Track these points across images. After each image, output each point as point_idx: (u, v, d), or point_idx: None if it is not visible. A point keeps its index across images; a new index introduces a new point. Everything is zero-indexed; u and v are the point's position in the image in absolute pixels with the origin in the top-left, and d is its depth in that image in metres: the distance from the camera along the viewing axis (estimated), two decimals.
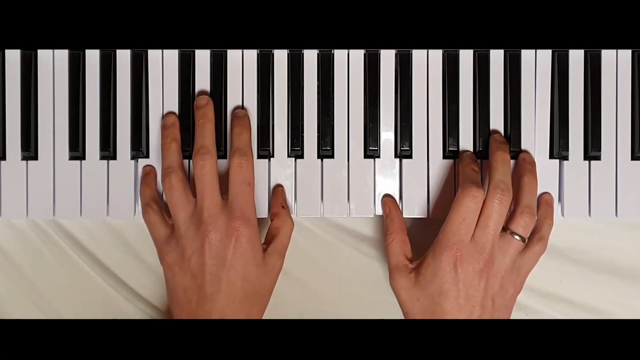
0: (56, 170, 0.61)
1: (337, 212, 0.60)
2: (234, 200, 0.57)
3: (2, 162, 0.61)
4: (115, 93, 0.61)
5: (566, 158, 0.60)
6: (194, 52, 0.61)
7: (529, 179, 0.58)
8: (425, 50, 0.61)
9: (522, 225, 0.56)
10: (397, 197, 0.61)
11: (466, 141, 0.61)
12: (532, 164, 0.59)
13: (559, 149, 0.60)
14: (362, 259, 0.63)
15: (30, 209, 0.60)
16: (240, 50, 0.61)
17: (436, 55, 0.61)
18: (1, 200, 0.60)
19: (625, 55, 0.60)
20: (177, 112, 0.61)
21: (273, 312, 0.61)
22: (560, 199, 0.60)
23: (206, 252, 0.55)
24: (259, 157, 0.61)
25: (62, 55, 0.61)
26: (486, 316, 0.55)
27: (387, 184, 0.61)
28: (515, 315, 0.62)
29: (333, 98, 0.61)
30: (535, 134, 0.60)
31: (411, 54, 0.61)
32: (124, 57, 0.61)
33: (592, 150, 0.60)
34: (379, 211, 0.60)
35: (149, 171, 0.61)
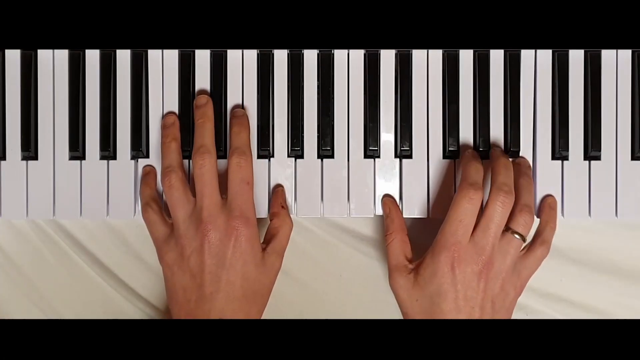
0: (56, 170, 0.61)
1: (337, 212, 0.60)
2: (233, 199, 0.57)
3: (2, 162, 0.61)
4: (115, 93, 0.61)
5: (566, 158, 0.60)
6: (194, 52, 0.61)
7: (526, 180, 0.58)
8: (425, 50, 0.61)
9: (522, 223, 0.56)
10: (397, 197, 0.61)
11: (466, 141, 0.61)
12: (528, 167, 0.59)
13: (559, 149, 0.60)
14: (362, 259, 0.63)
15: (30, 209, 0.60)
16: (240, 50, 0.61)
17: (436, 55, 0.61)
18: (1, 200, 0.60)
19: (625, 55, 0.60)
20: (177, 112, 0.61)
21: (273, 312, 0.61)
22: (560, 199, 0.60)
23: (205, 252, 0.55)
24: (259, 157, 0.61)
25: (62, 55, 0.61)
26: (486, 318, 0.55)
27: (387, 184, 0.61)
28: (515, 315, 0.62)
29: (333, 98, 0.61)
30: (535, 134, 0.60)
31: (411, 54, 0.61)
32: (124, 57, 0.61)
33: (592, 150, 0.60)
34: (379, 211, 0.60)
35: (149, 171, 0.61)
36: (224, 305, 0.55)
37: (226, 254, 0.56)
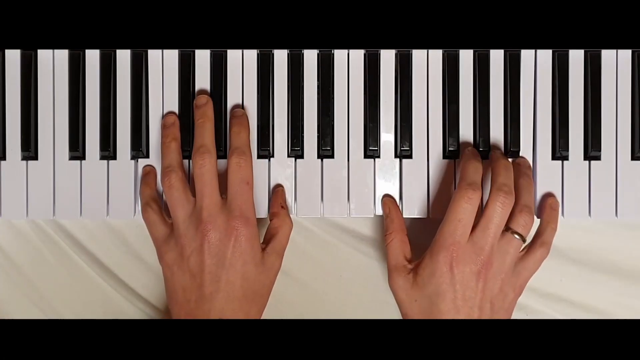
0: (56, 170, 0.61)
1: (337, 212, 0.60)
2: (233, 199, 0.57)
3: (2, 162, 0.61)
4: (115, 93, 0.61)
5: (566, 158, 0.60)
6: (194, 52, 0.61)
7: (526, 181, 0.58)
8: (425, 50, 0.61)
9: (522, 223, 0.56)
10: (397, 197, 0.61)
11: (466, 141, 0.61)
12: (528, 168, 0.59)
13: (559, 149, 0.60)
14: (362, 259, 0.63)
15: (30, 209, 0.60)
16: (240, 50, 0.61)
17: (436, 55, 0.61)
18: (1, 200, 0.60)
19: (625, 55, 0.60)
20: (177, 112, 0.61)
21: (273, 312, 0.61)
22: (560, 199, 0.60)
23: (205, 252, 0.55)
24: (259, 157, 0.61)
25: (62, 55, 0.61)
26: (484, 318, 0.55)
27: (387, 184, 0.61)
28: (515, 315, 0.62)
29: (333, 98, 0.61)
30: (535, 134, 0.60)
31: (411, 54, 0.61)
32: (124, 57, 0.61)
33: (592, 150, 0.60)
34: (379, 211, 0.60)
35: (149, 171, 0.61)
36: (224, 305, 0.55)
37: (226, 254, 0.56)
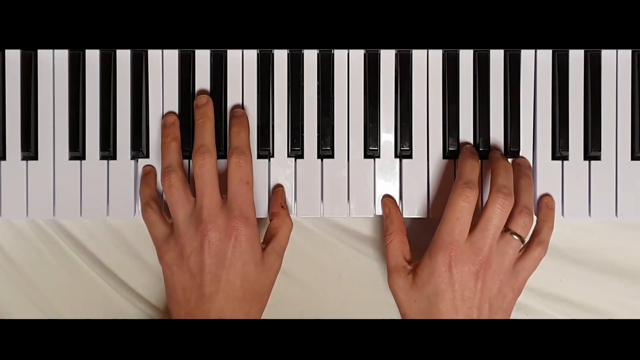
0: (56, 170, 0.61)
1: (337, 212, 0.60)
2: (233, 199, 0.57)
3: (2, 162, 0.61)
4: (115, 93, 0.61)
5: (566, 158, 0.60)
6: (194, 52, 0.61)
7: (526, 182, 0.58)
8: (425, 50, 0.61)
9: (521, 224, 0.56)
10: (397, 197, 0.61)
11: (466, 141, 0.61)
12: (529, 168, 0.59)
13: (559, 149, 0.60)
14: (362, 259, 0.63)
15: (30, 209, 0.60)
16: (240, 50, 0.61)
17: (436, 55, 0.61)
18: (1, 200, 0.60)
19: (625, 55, 0.60)
20: (177, 112, 0.61)
21: (273, 312, 0.61)
22: (560, 199, 0.60)
23: (205, 251, 0.55)
24: (259, 157, 0.61)
25: (62, 55, 0.61)
26: (483, 319, 0.55)
27: (387, 184, 0.61)
28: (515, 315, 0.62)
29: (333, 98, 0.61)
30: (535, 134, 0.60)
31: (411, 54, 0.61)
32: (124, 57, 0.61)
33: (592, 150, 0.60)
34: (379, 211, 0.60)
35: (148, 171, 0.61)
36: (224, 305, 0.55)
37: (226, 254, 0.56)
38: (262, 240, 0.59)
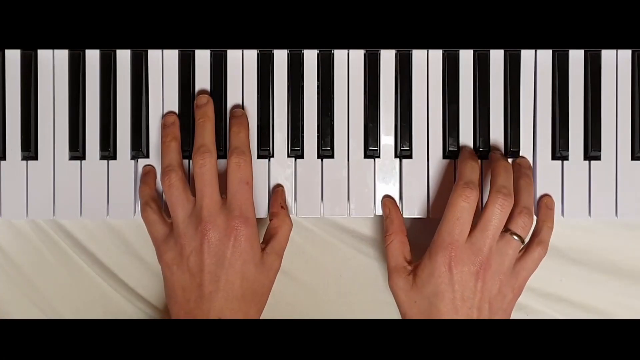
0: (56, 170, 0.61)
1: (337, 212, 0.60)
2: (233, 199, 0.57)
3: (2, 162, 0.61)
4: (115, 93, 0.61)
5: (566, 158, 0.60)
6: (194, 52, 0.61)
7: (526, 182, 0.58)
8: (425, 50, 0.61)
9: (521, 225, 0.56)
10: (397, 197, 0.61)
11: (466, 141, 0.61)
12: (529, 168, 0.59)
13: (559, 149, 0.60)
14: (362, 259, 0.63)
15: (30, 209, 0.60)
16: (240, 50, 0.61)
17: (436, 55, 0.61)
18: (1, 200, 0.60)
19: (625, 55, 0.60)
20: (177, 112, 0.61)
21: (273, 312, 0.61)
22: (560, 199, 0.60)
23: (205, 251, 0.56)
24: (259, 157, 0.61)
25: (62, 55, 0.61)
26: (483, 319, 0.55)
27: (387, 184, 0.61)
28: (515, 315, 0.62)
29: (333, 98, 0.61)
30: (535, 134, 0.60)
31: (411, 54, 0.61)
32: (124, 57, 0.61)
33: (592, 150, 0.60)
34: (379, 211, 0.60)
35: (148, 170, 0.61)
36: (223, 304, 0.55)
37: (225, 254, 0.56)
38: (261, 240, 0.59)
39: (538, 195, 0.60)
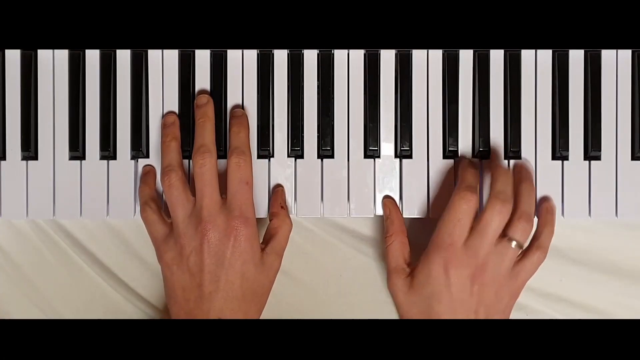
0: (56, 170, 0.61)
1: (337, 212, 0.60)
2: (233, 199, 0.57)
3: (2, 162, 0.61)
4: (115, 93, 0.61)
5: (566, 158, 0.60)
6: (194, 52, 0.61)
7: (527, 187, 0.57)
8: (425, 50, 0.61)
9: (520, 230, 0.56)
10: (397, 197, 0.61)
11: (466, 141, 0.61)
12: (530, 173, 0.59)
13: (559, 149, 0.60)
14: (362, 259, 0.63)
15: (30, 209, 0.60)
16: (240, 50, 0.61)
17: (436, 55, 0.61)
18: (1, 200, 0.60)
19: (625, 55, 0.60)
20: (177, 112, 0.61)
21: (273, 312, 0.61)
22: (560, 199, 0.60)
23: (205, 251, 0.56)
24: (259, 157, 0.61)
25: (62, 55, 0.61)
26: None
27: (387, 184, 0.61)
28: (515, 315, 0.62)
29: (333, 98, 0.61)
30: (535, 134, 0.60)
31: (411, 54, 0.61)
32: (124, 57, 0.61)
33: (592, 150, 0.60)
34: (379, 211, 0.60)
35: (148, 170, 0.61)
36: (223, 304, 0.56)
37: (225, 254, 0.56)
38: (261, 241, 0.59)
39: (538, 196, 0.60)
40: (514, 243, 0.55)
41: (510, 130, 0.60)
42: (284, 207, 0.60)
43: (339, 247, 0.64)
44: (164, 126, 0.60)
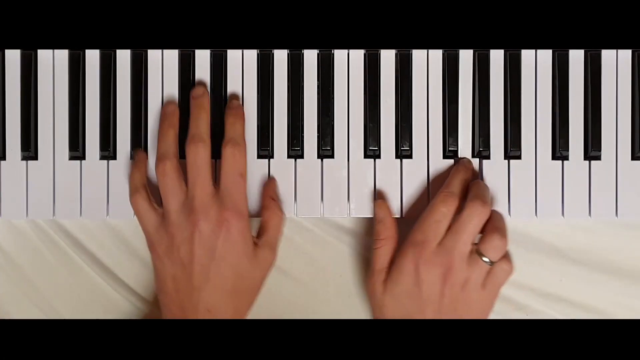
0: (56, 170, 0.61)
1: (337, 212, 0.60)
2: (226, 191, 0.56)
3: (2, 162, 0.61)
4: (115, 93, 0.61)
5: (566, 158, 0.60)
6: (194, 52, 0.61)
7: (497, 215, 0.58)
8: (425, 50, 0.61)
9: (493, 247, 0.55)
10: (397, 197, 0.60)
11: (466, 141, 0.61)
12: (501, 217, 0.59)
13: (559, 149, 0.60)
14: (362, 259, 0.63)
15: (30, 209, 0.60)
16: (240, 50, 0.61)
17: (436, 55, 0.61)
18: (1, 200, 0.60)
19: (625, 55, 0.60)
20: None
21: (273, 311, 0.61)
22: (560, 199, 0.60)
23: (195, 242, 0.55)
24: (259, 157, 0.61)
25: (62, 55, 0.61)
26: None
27: (387, 184, 0.61)
28: (515, 315, 0.62)
29: (333, 98, 0.61)
30: (535, 134, 0.60)
31: (411, 54, 0.61)
32: (124, 57, 0.61)
33: (592, 150, 0.60)
34: None
35: (141, 157, 0.60)
36: (213, 296, 0.55)
37: (216, 246, 0.55)
38: (256, 235, 0.58)
39: (539, 195, 0.60)
40: (485, 259, 0.56)
41: (510, 130, 0.60)
42: (275, 198, 0.59)
43: (339, 247, 0.63)
44: (163, 115, 0.59)
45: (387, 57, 0.61)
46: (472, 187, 0.58)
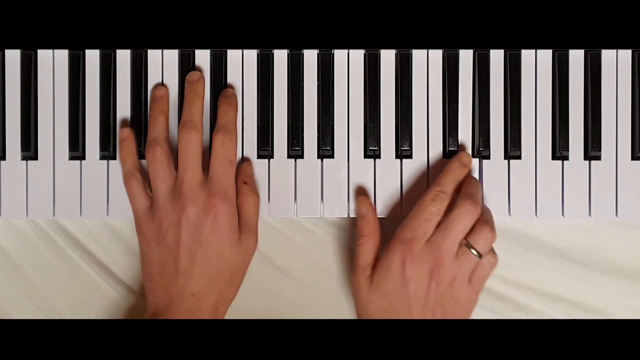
0: (56, 170, 0.61)
1: (337, 212, 0.60)
2: (215, 177, 0.56)
3: (2, 162, 0.61)
4: (115, 93, 0.61)
5: (566, 158, 0.60)
6: (194, 52, 0.61)
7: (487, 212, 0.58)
8: (425, 50, 0.61)
9: (483, 239, 0.56)
10: (397, 198, 0.60)
11: (466, 141, 0.61)
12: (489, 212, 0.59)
13: (559, 149, 0.60)
14: None
15: (30, 209, 0.60)
16: (240, 50, 0.61)
17: (436, 55, 0.61)
18: (1, 200, 0.60)
19: (625, 55, 0.60)
20: (177, 112, 0.61)
21: (272, 311, 0.61)
22: (560, 199, 0.60)
23: (182, 226, 0.55)
24: (259, 157, 0.61)
25: (62, 55, 0.61)
26: (437, 318, 0.55)
27: (387, 184, 0.61)
28: (515, 315, 0.62)
29: (333, 98, 0.61)
30: (535, 134, 0.60)
31: (411, 54, 0.61)
32: (124, 57, 0.61)
33: (592, 150, 0.60)
34: (380, 212, 0.60)
35: (127, 135, 0.60)
36: (198, 281, 0.55)
37: (203, 231, 0.55)
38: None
39: (539, 195, 0.60)
40: (474, 251, 0.55)
41: (510, 130, 0.60)
42: (247, 182, 0.59)
43: (338, 248, 0.63)
44: (153, 99, 0.59)
45: (387, 57, 0.61)
46: (465, 185, 0.58)
